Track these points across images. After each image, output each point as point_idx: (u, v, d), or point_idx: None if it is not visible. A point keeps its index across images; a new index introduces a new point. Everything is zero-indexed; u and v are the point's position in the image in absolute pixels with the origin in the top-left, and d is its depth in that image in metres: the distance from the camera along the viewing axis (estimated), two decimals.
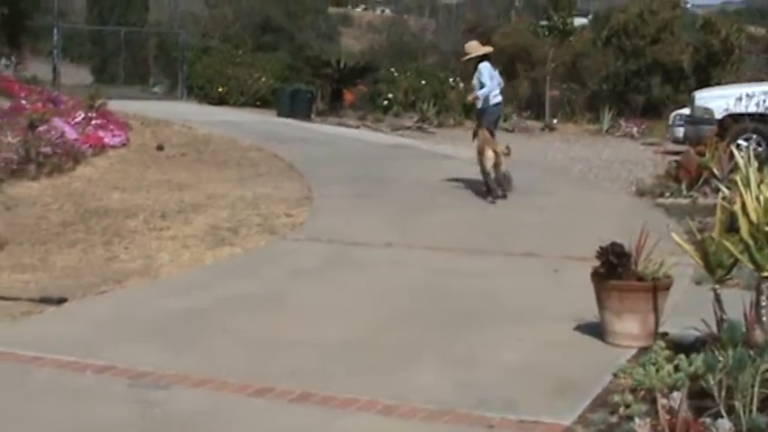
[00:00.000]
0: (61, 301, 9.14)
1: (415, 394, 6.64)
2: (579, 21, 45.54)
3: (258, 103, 38.09)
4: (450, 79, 40.23)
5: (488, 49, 17.22)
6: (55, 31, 40.83)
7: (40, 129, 18.77)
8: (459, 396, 6.61)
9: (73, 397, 6.64)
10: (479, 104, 16.82)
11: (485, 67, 16.68)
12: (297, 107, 33.93)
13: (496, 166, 16.33)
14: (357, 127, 32.39)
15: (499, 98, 16.90)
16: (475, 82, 16.85)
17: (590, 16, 50.34)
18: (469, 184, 17.38)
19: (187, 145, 22.96)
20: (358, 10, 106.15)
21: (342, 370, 7.22)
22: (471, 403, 6.47)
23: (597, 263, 7.89)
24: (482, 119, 16.92)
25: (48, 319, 8.66)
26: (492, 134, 16.72)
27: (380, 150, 24.49)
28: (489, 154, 16.31)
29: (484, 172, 16.26)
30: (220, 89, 38.71)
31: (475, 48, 17.20)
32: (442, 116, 35.74)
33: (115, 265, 10.88)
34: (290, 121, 32.00)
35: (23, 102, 22.36)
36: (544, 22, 40.53)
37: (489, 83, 16.59)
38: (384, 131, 31.51)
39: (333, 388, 6.75)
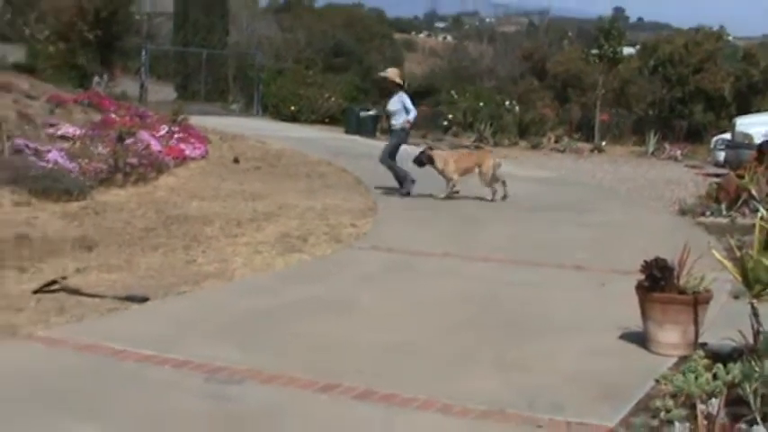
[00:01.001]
0: (144, 299, 9.22)
1: (470, 395, 6.63)
2: (627, 50, 45.31)
3: (327, 121, 38.25)
4: (507, 102, 40.15)
5: (401, 81, 18.65)
6: (143, 51, 41.27)
7: (128, 141, 18.96)
8: (510, 397, 6.59)
9: (154, 388, 6.68)
10: (403, 126, 18.13)
11: (406, 95, 18.27)
12: (363, 125, 34.02)
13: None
14: (418, 145, 32.34)
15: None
16: (398, 107, 18.11)
17: (637, 46, 49.95)
18: (522, 199, 17.32)
19: (261, 158, 23.07)
20: (421, 36, 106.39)
21: (402, 370, 7.21)
22: (521, 405, 6.46)
23: (642, 276, 7.85)
24: (402, 139, 18.31)
25: (132, 316, 8.73)
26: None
27: None
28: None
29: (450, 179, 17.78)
30: (293, 107, 38.91)
31: (394, 74, 18.75)
32: (498, 136, 35.64)
33: (193, 268, 10.93)
34: (356, 138, 32.10)
35: (113, 116, 22.57)
36: (595, 51, 40.33)
37: (414, 109, 18.19)
38: (443, 150, 31.45)
39: (394, 386, 6.75)
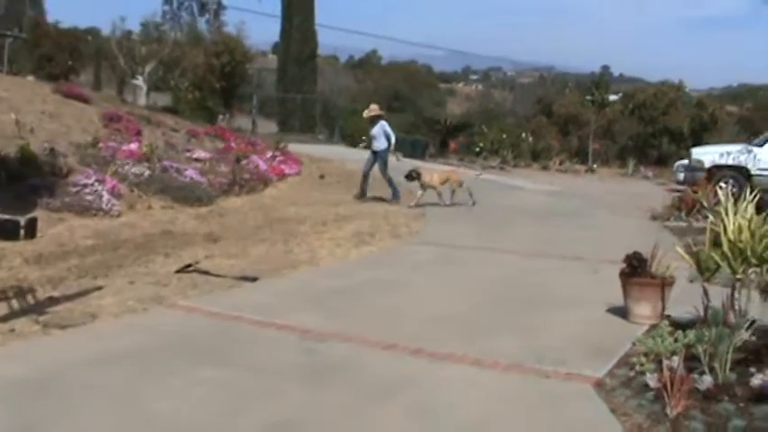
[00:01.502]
0: (255, 279, 9.30)
1: (495, 352, 6.63)
2: (612, 97, 45.17)
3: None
4: (523, 134, 39.99)
5: (382, 112, 18.20)
6: (254, 97, 41.58)
7: (243, 162, 19.15)
8: (526, 355, 6.59)
9: (262, 344, 6.76)
10: (386, 148, 17.60)
11: (386, 123, 17.71)
12: (416, 151, 34.01)
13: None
14: (457, 166, 32.30)
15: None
16: (379, 131, 17.58)
17: (620, 94, 49.49)
18: (535, 207, 17.23)
19: (340, 175, 23.12)
20: (459, 85, 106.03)
21: (444, 334, 7.22)
22: (534, 360, 6.45)
23: (624, 265, 7.81)
24: (386, 158, 17.71)
25: (245, 291, 8.81)
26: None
27: (474, 182, 24.34)
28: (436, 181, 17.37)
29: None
30: (364, 138, 38.93)
31: (376, 109, 18.13)
32: (517, 159, 35.49)
33: (290, 257, 10.98)
34: (410, 160, 32.02)
35: (232, 144, 22.82)
36: (589, 97, 40.26)
37: (393, 134, 17.65)
38: (476, 169, 31.39)
39: (438, 346, 6.76)
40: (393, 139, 17.79)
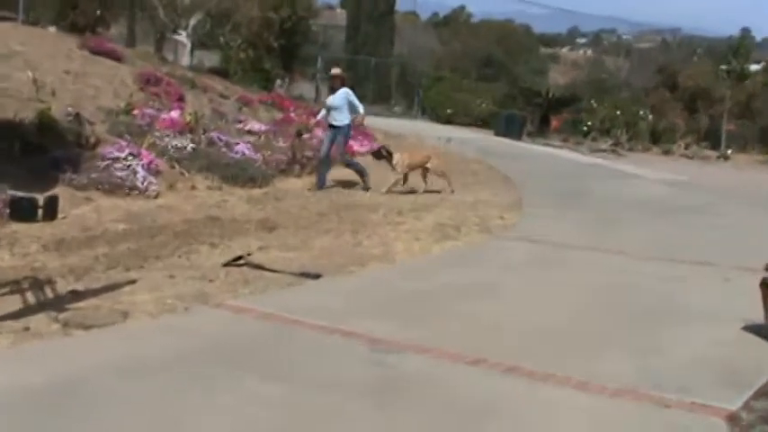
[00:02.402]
0: (317, 276, 9.33)
1: (604, 374, 6.54)
2: (754, 66, 44.13)
3: (479, 124, 38.14)
4: (641, 111, 39.43)
5: (345, 75, 17.45)
6: (318, 58, 41.75)
7: (304, 136, 19.23)
8: (641, 379, 6.48)
9: (325, 354, 6.76)
10: (350, 123, 16.66)
11: (351, 91, 16.76)
12: (510, 129, 33.87)
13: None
14: (560, 147, 32.12)
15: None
16: (341, 101, 16.47)
17: (762, 63, 48.45)
18: (654, 199, 16.99)
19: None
20: (564, 50, 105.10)
21: (543, 350, 7.15)
22: (650, 385, 6.34)
23: (765, 273, 7.63)
24: (348, 135, 17.01)
25: (307, 290, 8.85)
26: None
27: (580, 168, 24.21)
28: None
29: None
30: (448, 111, 38.95)
31: (338, 72, 17.12)
32: (633, 142, 35.06)
33: (360, 251, 11.01)
34: (504, 140, 31.97)
35: (292, 114, 22.99)
36: (724, 67, 39.36)
37: (361, 105, 16.87)
38: (583, 153, 31.14)
39: (535, 364, 6.69)
40: (362, 109, 17.01)
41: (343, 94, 16.48)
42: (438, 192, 16.60)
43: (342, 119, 16.43)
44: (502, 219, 13.99)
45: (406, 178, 16.70)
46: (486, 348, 7.01)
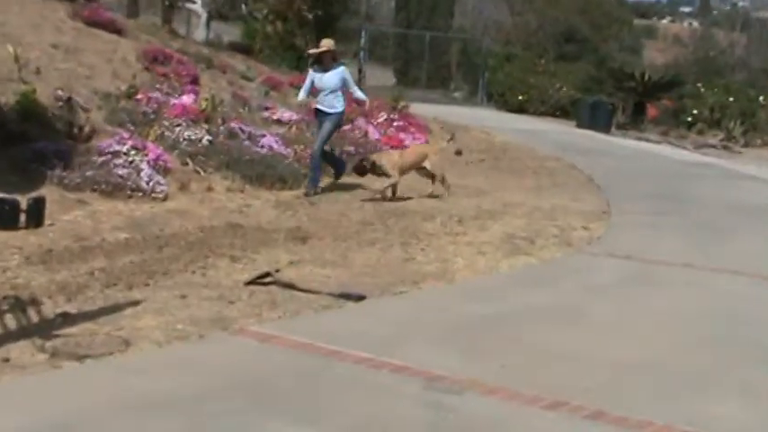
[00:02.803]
0: (360, 298, 9.33)
1: (714, 422, 6.49)
2: None
3: (557, 113, 38.02)
4: (761, 98, 39.05)
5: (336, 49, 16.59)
6: (362, 32, 41.84)
7: (345, 128, 19.25)
8: (756, 426, 6.42)
9: (370, 393, 6.75)
10: (343, 109, 16.37)
11: (346, 70, 16.41)
12: (597, 119, 33.71)
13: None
14: (658, 142, 31.94)
15: None
16: (335, 81, 15.93)
17: None
18: None
19: (485, 151, 23.15)
20: (664, 22, 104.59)
21: (636, 391, 7.10)
22: None
23: None
24: (340, 124, 16.64)
25: (347, 315, 8.86)
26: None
27: (682, 168, 24.05)
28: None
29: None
30: (520, 97, 38.87)
31: (329, 45, 16.28)
32: (749, 135, 34.75)
33: (412, 267, 11.00)
34: (588, 132, 31.85)
35: None
36: None
37: (359, 89, 16.92)
38: (687, 148, 30.95)
39: (627, 408, 6.64)
40: (361, 93, 16.91)
41: (339, 73, 16.09)
42: (436, 196, 16.36)
43: (337, 104, 16.09)
44: (585, 229, 13.94)
45: (394, 190, 16.06)
46: (566, 388, 6.98)
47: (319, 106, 16.06)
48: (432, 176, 16.54)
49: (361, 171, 16.07)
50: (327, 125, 15.92)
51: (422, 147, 18.32)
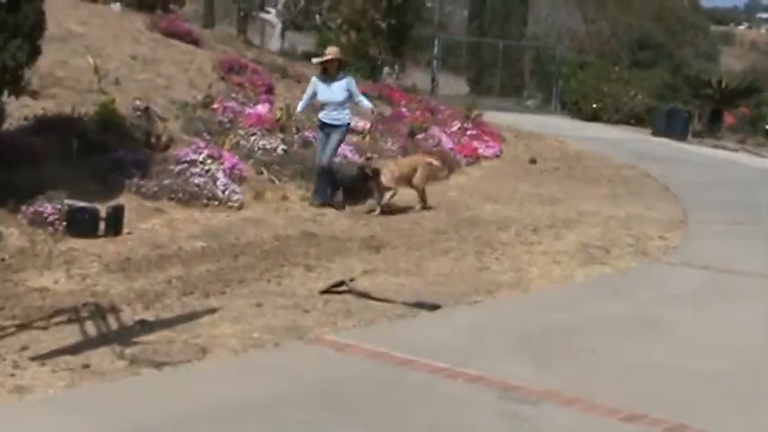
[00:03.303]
0: (434, 307, 9.32)
1: None
2: None
3: (632, 121, 37.75)
4: None
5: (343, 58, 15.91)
6: (435, 41, 41.84)
7: (419, 137, 19.31)
8: None
9: (445, 403, 6.73)
10: (350, 120, 15.55)
11: (353, 81, 15.56)
12: (672, 127, 33.39)
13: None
14: (735, 150, 31.58)
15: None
16: (340, 91, 15.03)
17: None
18: None
19: (559, 159, 23.04)
20: (741, 28, 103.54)
21: (718, 404, 7.02)
22: None
23: None
24: (343, 138, 15.50)
25: (421, 324, 8.85)
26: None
27: (760, 176, 23.79)
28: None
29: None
30: (594, 105, 38.62)
31: (334, 53, 15.45)
32: None
33: (486, 276, 10.98)
34: (664, 140, 31.57)
35: (404, 109, 23.06)
36: None
37: (365, 99, 15.93)
38: (764, 156, 30.55)
39: (708, 423, 6.56)
40: (367, 103, 15.95)
41: (345, 83, 15.19)
42: (429, 208, 15.61)
43: (343, 117, 15.20)
44: (662, 239, 13.82)
45: (391, 195, 15.31)
46: (644, 400, 6.91)
47: (324, 119, 15.17)
48: (415, 188, 15.59)
49: (363, 178, 15.18)
50: (336, 136, 15.05)
51: (414, 158, 16.83)
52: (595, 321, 9.19)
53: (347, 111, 15.28)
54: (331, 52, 15.45)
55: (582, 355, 8.06)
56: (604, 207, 16.55)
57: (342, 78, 15.17)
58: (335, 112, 15.06)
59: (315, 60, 16.26)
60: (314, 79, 15.44)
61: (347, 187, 15.48)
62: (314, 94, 15.27)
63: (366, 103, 15.81)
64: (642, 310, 9.77)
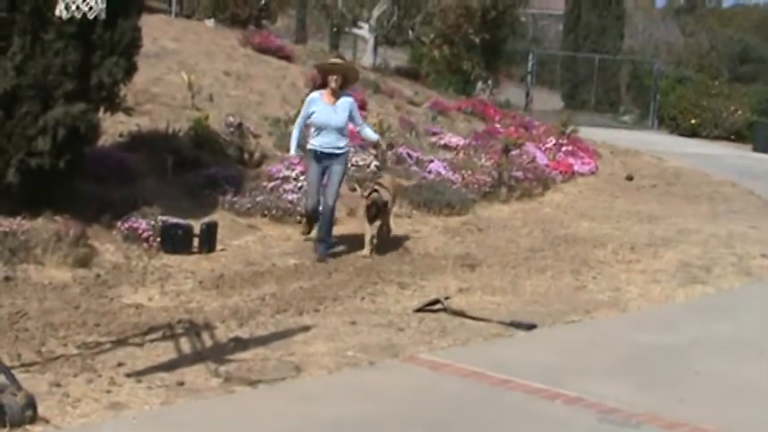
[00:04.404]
0: (531, 327, 9.28)
1: None
2: None
3: (732, 137, 37.27)
4: None
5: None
6: (530, 56, 41.71)
7: (513, 153, 19.23)
8: None
9: (543, 425, 6.72)
10: (346, 152, 12.65)
11: (354, 101, 12.79)
12: None
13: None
14: None
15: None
16: (346, 119, 12.39)
17: None
18: None
19: (657, 176, 22.82)
20: None
21: None
22: None
23: None
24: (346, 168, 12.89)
25: (518, 344, 8.83)
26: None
27: None
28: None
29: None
30: (693, 121, 38.18)
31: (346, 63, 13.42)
32: None
33: (583, 295, 10.92)
34: (766, 156, 31.10)
35: (497, 125, 23.03)
36: None
37: (367, 125, 13.55)
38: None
39: None
40: (371, 132, 13.39)
41: (347, 104, 12.45)
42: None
43: (344, 144, 12.50)
44: (765, 257, 13.63)
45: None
46: (750, 425, 6.86)
47: (319, 147, 12.33)
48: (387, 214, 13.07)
49: (373, 213, 12.48)
50: (338, 169, 12.35)
51: (395, 180, 14.01)
52: (697, 343, 9.10)
53: (347, 136, 12.60)
54: (335, 63, 13.10)
55: (684, 377, 8.00)
56: (705, 225, 16.36)
57: (342, 97, 12.45)
58: (336, 138, 12.33)
59: (318, 65, 13.92)
60: (312, 97, 12.67)
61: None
62: (308, 117, 12.53)
63: (371, 132, 13.32)
64: (745, 332, 9.66)
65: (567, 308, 10.22)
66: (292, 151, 12.81)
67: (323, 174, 12.33)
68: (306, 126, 12.68)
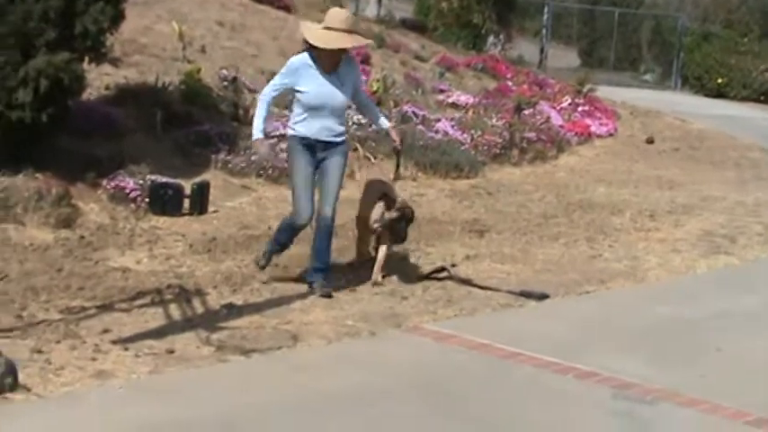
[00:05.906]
0: (542, 297, 9.32)
1: None
2: None
3: (762, 98, 37.17)
4: None
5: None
6: (545, 9, 41.57)
7: (526, 112, 19.21)
8: None
9: (553, 399, 6.76)
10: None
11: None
12: None
13: None
14: None
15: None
16: (350, 94, 9.44)
17: None
18: None
19: (679, 139, 22.79)
20: None
21: None
22: None
23: None
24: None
25: (528, 315, 8.87)
26: None
27: None
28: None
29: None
30: (719, 80, 38.07)
31: (354, 23, 9.72)
32: None
33: (598, 264, 10.95)
34: None
35: (509, 83, 22.98)
36: None
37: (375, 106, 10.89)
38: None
39: None
40: (384, 119, 10.22)
41: (352, 72, 9.57)
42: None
43: (342, 129, 9.53)
44: None
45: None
46: None
47: (314, 135, 9.27)
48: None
49: (406, 223, 9.83)
50: (338, 163, 9.40)
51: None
52: (719, 317, 9.13)
53: (344, 117, 9.87)
54: (339, 16, 9.35)
55: (704, 352, 8.03)
56: (730, 192, 16.37)
57: (348, 65, 9.48)
58: (336, 123, 9.40)
59: (307, 27, 9.74)
60: (298, 62, 9.38)
61: None
62: (280, 92, 9.73)
63: (384, 120, 10.14)
64: None
65: (581, 278, 10.25)
66: (257, 134, 9.34)
67: (315, 170, 9.31)
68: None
